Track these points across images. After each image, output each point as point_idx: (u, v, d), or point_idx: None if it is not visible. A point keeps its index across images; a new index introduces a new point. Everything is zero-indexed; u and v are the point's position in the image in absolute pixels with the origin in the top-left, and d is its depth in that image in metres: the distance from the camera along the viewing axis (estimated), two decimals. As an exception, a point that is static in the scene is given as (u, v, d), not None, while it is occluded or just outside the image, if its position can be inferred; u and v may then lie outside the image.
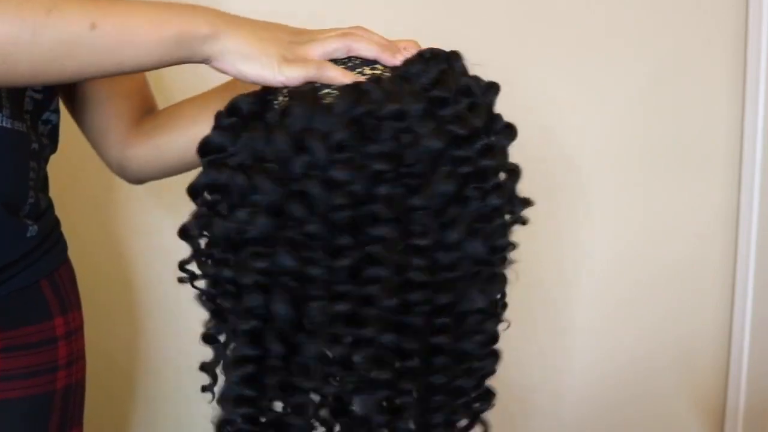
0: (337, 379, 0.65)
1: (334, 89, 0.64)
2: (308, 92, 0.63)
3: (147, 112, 0.91)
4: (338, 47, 0.66)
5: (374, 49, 0.66)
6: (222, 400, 0.67)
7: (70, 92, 0.87)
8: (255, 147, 0.62)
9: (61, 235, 0.90)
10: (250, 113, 0.64)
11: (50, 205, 0.88)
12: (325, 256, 0.61)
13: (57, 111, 0.85)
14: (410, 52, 0.67)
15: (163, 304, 1.32)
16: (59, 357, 0.85)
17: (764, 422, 1.54)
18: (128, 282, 1.31)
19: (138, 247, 1.31)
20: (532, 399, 1.53)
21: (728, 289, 1.55)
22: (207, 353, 0.69)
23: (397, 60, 0.66)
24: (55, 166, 0.89)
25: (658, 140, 1.47)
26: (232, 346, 0.66)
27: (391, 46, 0.67)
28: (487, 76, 0.72)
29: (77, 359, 0.88)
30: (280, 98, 0.65)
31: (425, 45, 0.71)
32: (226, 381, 0.66)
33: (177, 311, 1.31)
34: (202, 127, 0.67)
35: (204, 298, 0.67)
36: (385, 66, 0.66)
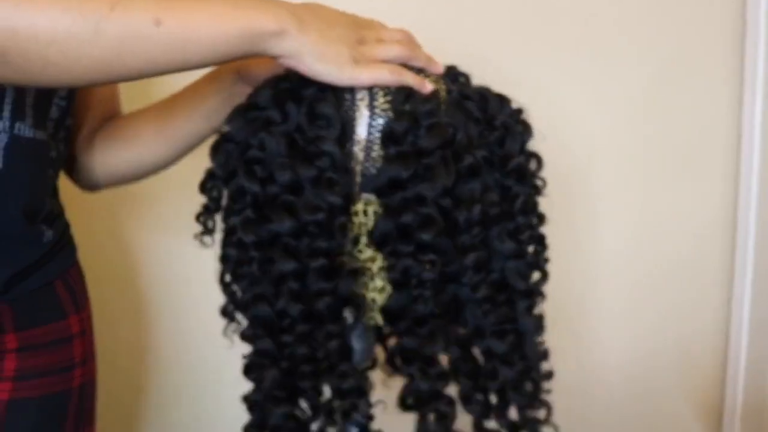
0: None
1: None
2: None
3: (109, 120, 0.90)
4: (400, 55, 0.69)
5: (424, 60, 0.70)
6: None
7: None
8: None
9: (71, 236, 0.90)
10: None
11: (62, 208, 0.89)
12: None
13: (73, 115, 0.85)
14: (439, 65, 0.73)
15: (169, 305, 1.32)
16: (75, 355, 0.85)
17: (762, 421, 1.54)
18: (134, 283, 1.31)
19: (144, 248, 1.31)
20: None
21: (726, 288, 1.56)
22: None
23: (441, 69, 0.72)
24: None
25: (657, 140, 1.48)
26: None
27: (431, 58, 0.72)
28: (488, 76, 0.74)
29: (90, 357, 0.88)
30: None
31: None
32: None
33: (183, 311, 1.32)
34: (158, 145, 0.74)
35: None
36: None
